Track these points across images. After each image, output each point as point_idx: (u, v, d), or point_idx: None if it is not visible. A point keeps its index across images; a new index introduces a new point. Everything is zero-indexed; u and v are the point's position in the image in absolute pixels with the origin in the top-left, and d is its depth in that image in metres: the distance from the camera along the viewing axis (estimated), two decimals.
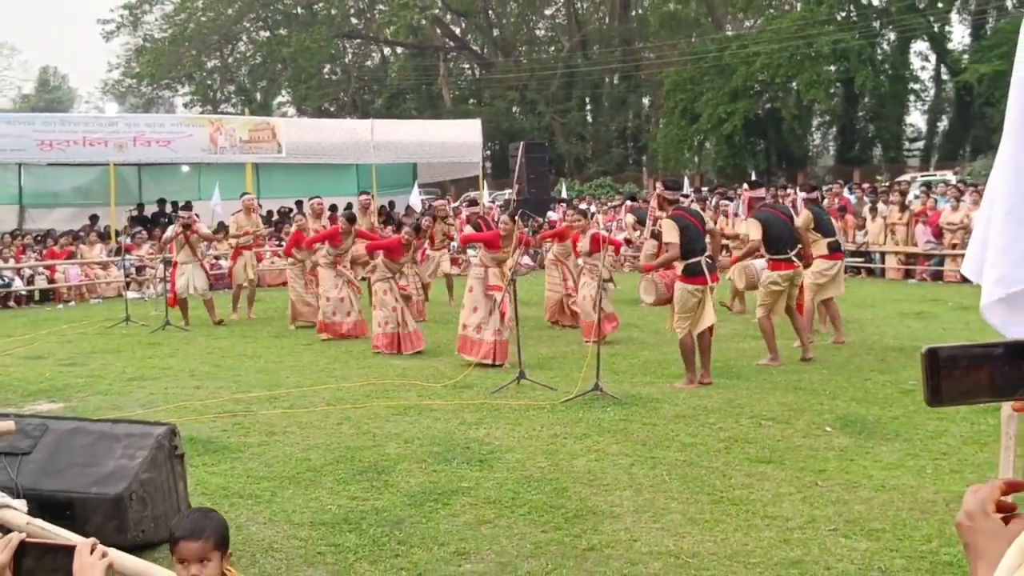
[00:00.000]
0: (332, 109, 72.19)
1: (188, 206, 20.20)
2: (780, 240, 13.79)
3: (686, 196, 16.43)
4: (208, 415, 11.21)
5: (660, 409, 11.06)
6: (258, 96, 72.62)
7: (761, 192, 14.58)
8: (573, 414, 10.90)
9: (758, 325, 14.17)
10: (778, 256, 13.83)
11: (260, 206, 22.92)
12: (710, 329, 12.47)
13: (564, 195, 34.24)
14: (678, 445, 9.47)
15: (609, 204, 35.43)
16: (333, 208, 30.47)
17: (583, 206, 22.59)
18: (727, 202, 24.70)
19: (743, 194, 15.46)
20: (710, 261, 12.42)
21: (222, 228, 26.82)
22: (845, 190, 31.42)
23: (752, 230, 13.88)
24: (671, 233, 12.20)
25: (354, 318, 17.53)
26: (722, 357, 13.92)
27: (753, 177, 32.62)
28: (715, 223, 19.21)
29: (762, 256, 14.31)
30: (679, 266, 12.31)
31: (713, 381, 12.43)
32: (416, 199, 30.26)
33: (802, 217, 14.88)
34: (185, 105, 73.08)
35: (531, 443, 9.66)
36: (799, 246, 13.98)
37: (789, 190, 24.73)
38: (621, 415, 10.77)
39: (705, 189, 36.29)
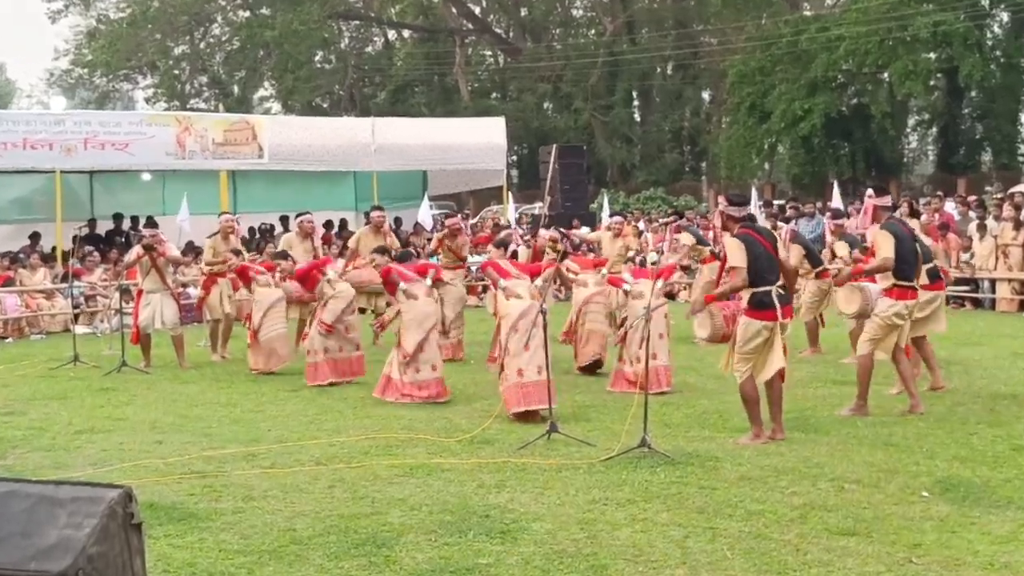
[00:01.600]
0: (325, 105, 72.58)
1: (151, 222, 20.10)
2: (906, 262, 13.68)
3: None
4: (172, 476, 11.24)
5: (721, 470, 11.04)
6: (235, 89, 73.04)
7: (888, 200, 14.40)
8: (615, 475, 10.89)
9: (857, 363, 14.04)
10: (905, 282, 13.73)
11: (239, 224, 22.84)
12: (781, 374, 12.41)
13: (607, 209, 34.08)
14: (742, 513, 9.45)
15: (660, 220, 35.37)
16: (327, 225, 30.62)
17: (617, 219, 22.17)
18: (782, 224, 24.47)
19: (866, 202, 15.29)
20: (782, 292, 12.35)
21: (191, 249, 26.90)
22: (947, 204, 31.32)
23: (884, 244, 13.61)
24: (737, 255, 12.14)
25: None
26: (796, 407, 13.89)
27: (836, 188, 32.53)
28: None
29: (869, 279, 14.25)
30: (744, 296, 12.25)
31: (786, 436, 12.40)
32: (426, 214, 30.29)
33: None
34: (147, 100, 73.65)
35: (564, 511, 9.66)
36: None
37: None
38: (673, 477, 10.75)
39: (777, 203, 36.20)
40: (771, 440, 12.25)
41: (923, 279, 14.95)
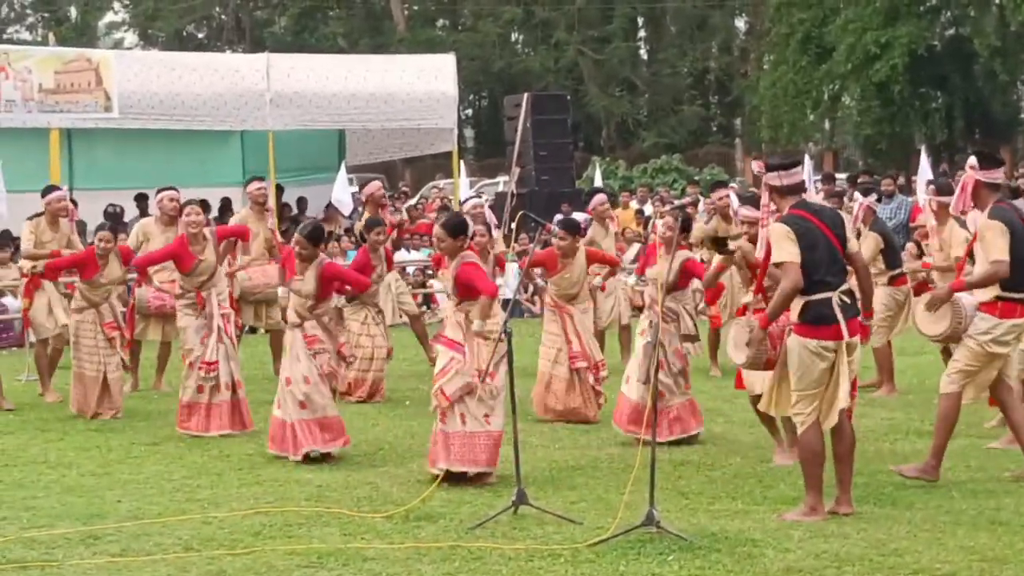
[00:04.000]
0: (200, 36, 72.49)
1: None
2: (1020, 265, 13.15)
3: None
4: None
5: (760, 558, 11.04)
6: (72, 12, 72.85)
7: (999, 175, 13.98)
8: (609, 566, 10.88)
9: (939, 406, 13.89)
10: (1014, 293, 13.30)
11: (76, 206, 22.65)
12: (848, 414, 12.29)
13: (598, 183, 34.09)
14: None
15: (675, 202, 35.28)
16: (203, 205, 30.48)
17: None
18: (856, 197, 24.23)
19: (967, 175, 14.88)
20: (847, 300, 12.20)
21: (8, 240, 26.75)
22: None
23: (994, 242, 13.14)
24: (785, 247, 11.86)
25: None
26: (866, 469, 13.88)
27: (925, 157, 32.62)
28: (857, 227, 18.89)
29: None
30: (794, 306, 12.06)
31: (853, 510, 12.41)
32: (344, 192, 30.15)
33: None
34: None
35: None
36: None
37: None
38: (693, 568, 10.75)
39: (842, 177, 36.16)
40: (832, 515, 12.26)
41: None
